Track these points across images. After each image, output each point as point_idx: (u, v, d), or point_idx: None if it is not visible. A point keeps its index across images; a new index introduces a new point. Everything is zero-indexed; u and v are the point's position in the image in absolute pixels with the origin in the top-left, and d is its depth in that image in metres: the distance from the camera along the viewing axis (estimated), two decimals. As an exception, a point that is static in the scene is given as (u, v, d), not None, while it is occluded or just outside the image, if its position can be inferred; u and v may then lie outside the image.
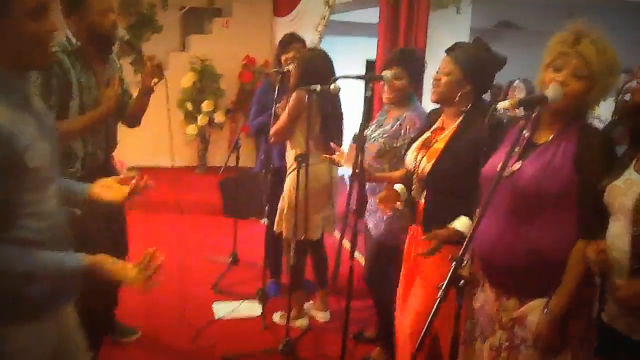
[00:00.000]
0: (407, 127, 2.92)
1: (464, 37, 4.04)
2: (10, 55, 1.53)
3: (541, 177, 1.83)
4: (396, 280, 2.73)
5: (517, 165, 1.89)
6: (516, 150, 1.89)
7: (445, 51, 2.40)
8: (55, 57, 2.53)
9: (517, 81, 4.33)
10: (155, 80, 2.84)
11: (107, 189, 1.96)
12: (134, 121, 3.08)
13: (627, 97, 3.63)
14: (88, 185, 1.97)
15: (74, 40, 2.67)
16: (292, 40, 3.86)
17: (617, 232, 1.70)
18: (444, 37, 3.92)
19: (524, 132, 1.91)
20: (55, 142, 1.72)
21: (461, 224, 2.24)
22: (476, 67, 2.33)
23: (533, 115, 1.85)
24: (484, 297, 2.07)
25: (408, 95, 3.03)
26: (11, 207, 1.54)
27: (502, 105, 1.75)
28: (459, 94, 2.33)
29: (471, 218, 2.19)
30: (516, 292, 1.95)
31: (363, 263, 3.14)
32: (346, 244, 2.81)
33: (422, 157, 2.42)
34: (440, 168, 2.34)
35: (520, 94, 4.28)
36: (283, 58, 3.80)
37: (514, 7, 6.15)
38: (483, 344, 2.07)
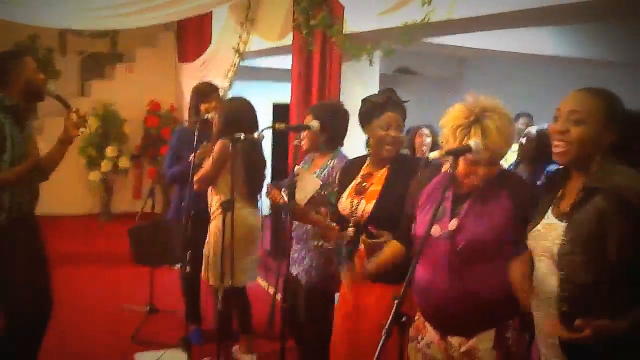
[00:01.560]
0: (334, 175, 3.02)
1: (374, 84, 4.29)
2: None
3: (484, 230, 2.00)
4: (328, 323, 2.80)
5: (454, 222, 2.05)
6: (443, 211, 2.07)
7: (390, 109, 2.55)
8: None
9: (423, 128, 4.65)
10: (82, 129, 3.01)
11: None
12: (45, 174, 3.07)
13: (523, 140, 4.04)
14: None
15: (4, 98, 2.84)
16: (211, 90, 3.94)
17: (544, 272, 1.83)
18: (355, 85, 4.16)
19: (443, 192, 2.02)
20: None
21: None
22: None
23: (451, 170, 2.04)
24: (428, 338, 2.20)
25: (330, 144, 3.16)
26: None
27: (432, 155, 1.94)
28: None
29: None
30: (460, 332, 2.10)
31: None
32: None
33: (360, 201, 2.57)
34: (382, 208, 2.50)
35: (427, 139, 4.59)
36: (203, 107, 3.84)
37: (411, 54, 6.59)
38: None
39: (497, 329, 2.04)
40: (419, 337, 2.21)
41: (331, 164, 3.09)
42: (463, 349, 2.08)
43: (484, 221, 2.01)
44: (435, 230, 2.06)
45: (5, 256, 2.87)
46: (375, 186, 2.56)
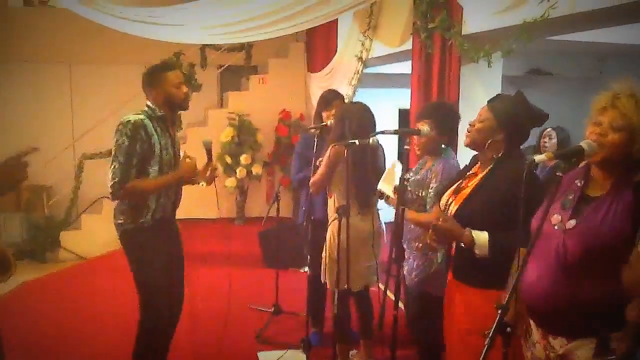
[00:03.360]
0: (431, 177, 3.02)
1: (497, 86, 4.14)
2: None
3: (597, 237, 1.86)
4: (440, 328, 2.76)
5: (572, 223, 1.93)
6: (569, 202, 1.96)
7: (487, 101, 2.51)
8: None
9: (549, 129, 4.40)
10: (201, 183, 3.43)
11: None
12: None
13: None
14: None
15: (155, 108, 3.09)
16: (334, 97, 3.98)
17: None
18: (476, 88, 4.05)
19: (577, 182, 1.97)
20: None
21: (480, 237, 2.27)
22: (510, 117, 2.41)
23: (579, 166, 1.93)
24: (534, 337, 2.11)
25: (439, 146, 3.13)
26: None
27: (539, 158, 1.84)
28: (490, 140, 2.42)
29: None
30: (563, 333, 1.99)
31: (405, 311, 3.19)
32: (390, 293, 2.87)
33: (451, 202, 2.51)
34: (465, 211, 2.41)
35: (552, 141, 4.35)
36: (325, 114, 3.92)
37: (544, 54, 6.26)
38: None
39: (600, 337, 1.89)
40: (527, 336, 2.14)
41: (433, 168, 3.06)
42: (561, 351, 1.96)
43: (603, 230, 1.86)
44: (556, 220, 1.96)
45: (146, 255, 3.11)
46: (469, 188, 2.48)
